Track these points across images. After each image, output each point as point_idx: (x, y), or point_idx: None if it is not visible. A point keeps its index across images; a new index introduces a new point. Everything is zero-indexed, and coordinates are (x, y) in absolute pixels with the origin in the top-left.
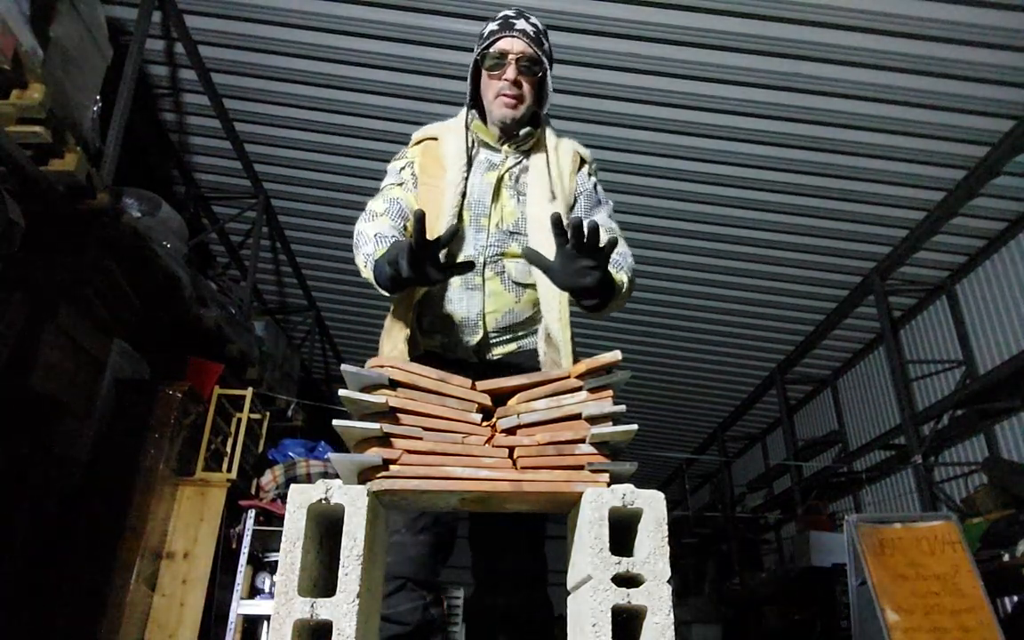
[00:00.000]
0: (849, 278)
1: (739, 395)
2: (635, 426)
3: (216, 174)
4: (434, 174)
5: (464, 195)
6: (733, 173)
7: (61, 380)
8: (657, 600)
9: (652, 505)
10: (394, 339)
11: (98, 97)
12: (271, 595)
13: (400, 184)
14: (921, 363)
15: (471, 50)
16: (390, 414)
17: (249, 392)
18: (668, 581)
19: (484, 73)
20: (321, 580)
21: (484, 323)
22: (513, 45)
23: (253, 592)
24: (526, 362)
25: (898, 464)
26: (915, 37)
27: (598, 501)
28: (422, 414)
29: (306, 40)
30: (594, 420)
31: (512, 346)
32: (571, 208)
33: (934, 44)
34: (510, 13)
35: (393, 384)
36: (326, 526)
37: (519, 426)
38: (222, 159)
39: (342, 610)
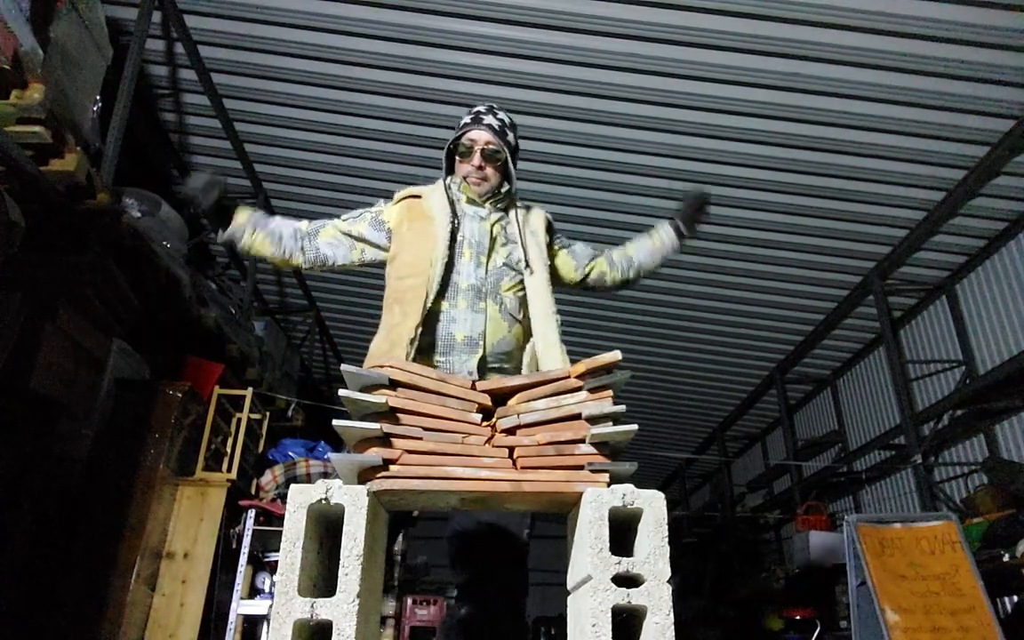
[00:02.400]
0: (849, 278)
1: (739, 395)
2: (635, 426)
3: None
4: (422, 218)
5: (454, 237)
6: (733, 173)
7: (61, 380)
8: (657, 600)
9: (652, 505)
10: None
11: (98, 97)
12: (271, 595)
13: (354, 219)
14: (921, 363)
15: (471, 50)
16: (390, 414)
17: (249, 392)
18: (668, 581)
19: (457, 157)
20: (321, 580)
21: (484, 343)
22: (480, 136)
23: (253, 592)
24: None
25: (898, 464)
26: (915, 37)
27: (598, 501)
28: (422, 414)
29: (306, 40)
30: (594, 420)
31: (505, 369)
32: (551, 256)
33: (934, 44)
34: (481, 109)
35: (393, 384)
36: (326, 526)
37: (519, 426)
38: (222, 159)
39: (342, 610)
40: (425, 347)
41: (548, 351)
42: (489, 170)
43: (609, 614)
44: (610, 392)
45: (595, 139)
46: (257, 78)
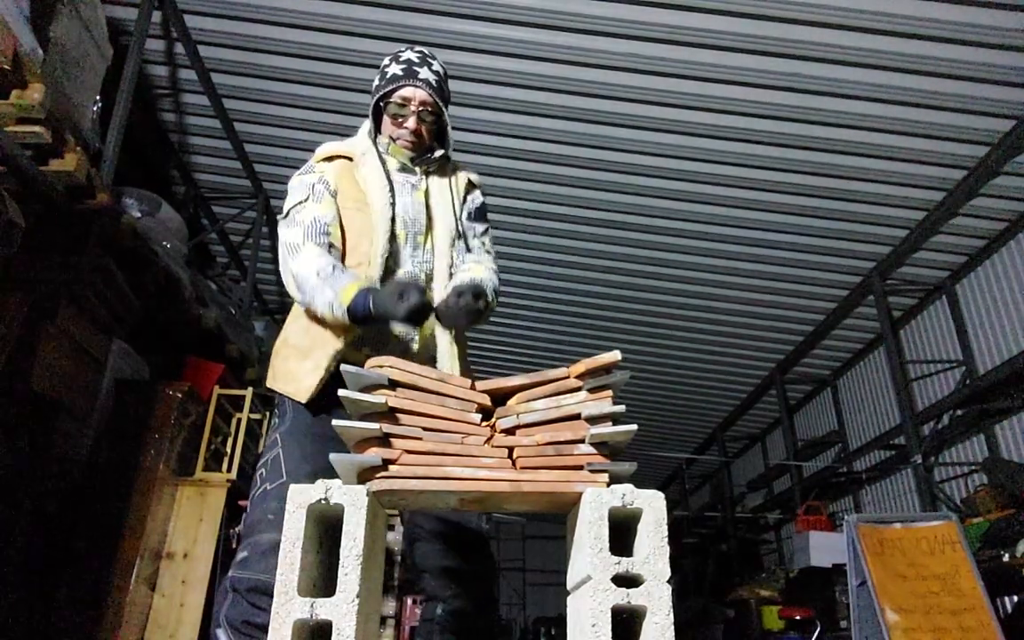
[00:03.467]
0: (849, 278)
1: (739, 395)
2: (634, 426)
3: (216, 174)
4: (356, 198)
5: (394, 219)
6: (733, 173)
7: (61, 380)
8: (657, 600)
9: (652, 505)
10: (316, 358)
11: (98, 97)
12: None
13: (316, 200)
14: (921, 363)
15: (471, 50)
16: (389, 414)
17: (249, 392)
18: (668, 581)
19: (385, 115)
20: (321, 580)
21: (418, 338)
22: (416, 94)
23: None
24: None
25: (898, 464)
26: (915, 37)
27: (598, 501)
28: (421, 414)
29: (306, 40)
30: (594, 420)
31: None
32: (466, 217)
33: (934, 44)
34: (414, 58)
35: (392, 384)
36: (326, 526)
37: (518, 426)
38: (222, 159)
39: (342, 610)
40: (354, 341)
41: (444, 350)
42: (424, 131)
43: (609, 614)
44: (610, 392)
45: (595, 139)
46: (257, 78)
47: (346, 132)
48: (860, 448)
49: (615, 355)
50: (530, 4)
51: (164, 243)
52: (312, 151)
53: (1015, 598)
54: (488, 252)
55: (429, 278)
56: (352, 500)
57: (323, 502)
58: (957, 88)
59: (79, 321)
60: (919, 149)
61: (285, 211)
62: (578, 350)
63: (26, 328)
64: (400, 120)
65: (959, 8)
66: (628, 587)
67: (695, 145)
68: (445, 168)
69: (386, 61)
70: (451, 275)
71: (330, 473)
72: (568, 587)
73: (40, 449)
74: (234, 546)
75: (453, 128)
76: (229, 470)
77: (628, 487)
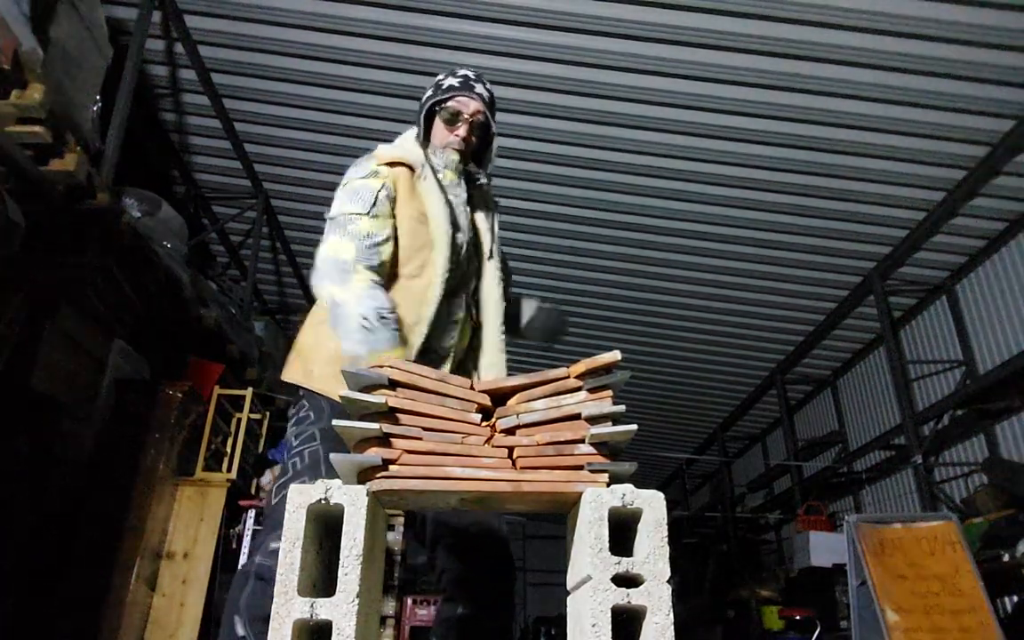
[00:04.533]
0: (849, 278)
1: (739, 395)
2: (634, 426)
3: (216, 174)
4: (418, 210)
5: (454, 237)
6: (733, 173)
7: (61, 380)
8: (657, 600)
9: (652, 505)
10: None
11: (98, 97)
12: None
13: (374, 214)
14: (921, 363)
15: (471, 50)
16: (390, 414)
17: (249, 392)
18: (668, 581)
19: (439, 121)
20: (321, 580)
21: (453, 356)
22: (469, 106)
23: None
24: None
25: (898, 464)
26: (915, 37)
27: (597, 501)
28: (421, 414)
29: (306, 40)
30: (593, 420)
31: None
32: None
33: (934, 44)
34: (470, 74)
35: (392, 384)
36: (326, 526)
37: (518, 426)
38: (222, 159)
39: (342, 610)
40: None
41: (493, 361)
42: (473, 140)
43: (609, 614)
44: (610, 392)
45: (595, 139)
46: (257, 78)
47: (346, 132)
48: (860, 448)
49: (615, 355)
50: (530, 4)
51: (164, 243)
52: (311, 151)
53: (1015, 598)
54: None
55: (476, 300)
56: (352, 500)
57: (323, 502)
58: (957, 88)
59: (79, 321)
60: (919, 149)
61: (338, 212)
62: (578, 350)
63: (26, 328)
64: (453, 127)
65: (959, 8)
66: (628, 587)
67: (695, 145)
68: (483, 191)
69: (441, 76)
70: (499, 291)
71: None
72: (568, 587)
73: (40, 449)
74: (233, 546)
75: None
76: (229, 470)
77: (628, 487)
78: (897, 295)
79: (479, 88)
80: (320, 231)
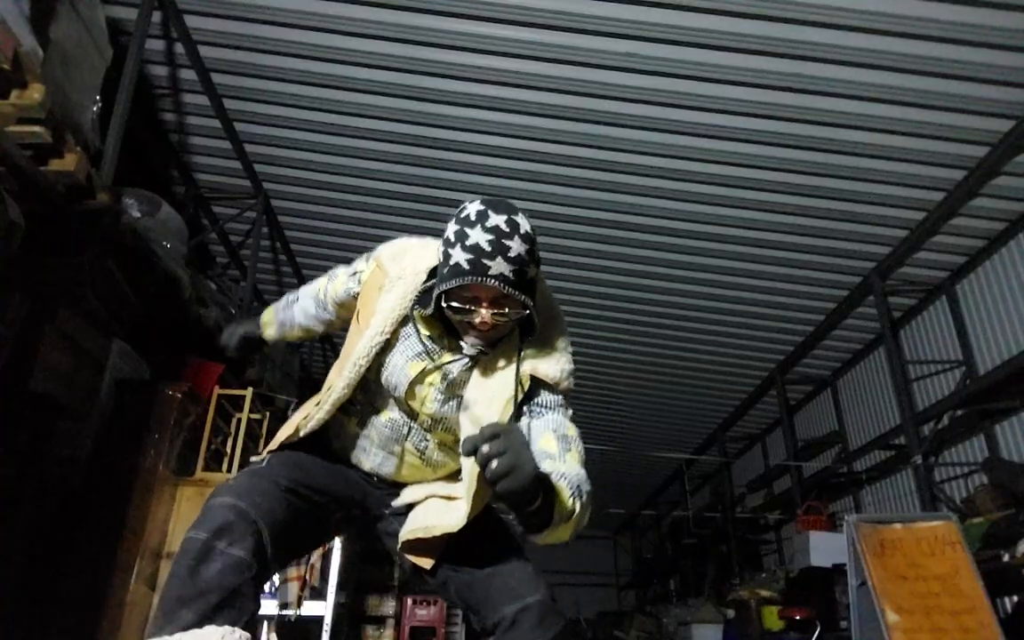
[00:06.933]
0: (849, 278)
1: (739, 395)
2: None
3: (216, 174)
4: (370, 307)
5: (375, 361)
6: (733, 173)
7: (61, 380)
8: None
9: None
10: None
11: (98, 97)
12: (272, 595)
13: (345, 276)
14: (921, 363)
15: (471, 50)
16: None
17: (249, 392)
18: None
19: (447, 310)
20: None
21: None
22: (486, 294)
23: None
24: None
25: (898, 464)
26: (915, 37)
27: None
28: None
29: (306, 40)
30: None
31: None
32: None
33: (934, 44)
34: (484, 246)
35: None
36: None
37: None
38: (222, 159)
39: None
40: (337, 446)
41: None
42: (504, 322)
43: None
44: None
45: (595, 139)
46: (257, 78)
47: (346, 132)
48: (860, 448)
49: None
50: (530, 4)
51: (164, 243)
52: (311, 151)
53: (1015, 598)
54: None
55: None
56: None
57: None
58: (957, 88)
59: (79, 321)
60: (919, 149)
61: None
62: (578, 350)
63: (26, 328)
64: (468, 318)
65: (959, 8)
66: None
67: (695, 145)
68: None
69: (453, 229)
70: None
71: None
72: None
73: (40, 449)
74: None
75: (454, 128)
76: (229, 470)
77: None
78: (897, 295)
79: (496, 266)
80: (320, 230)
